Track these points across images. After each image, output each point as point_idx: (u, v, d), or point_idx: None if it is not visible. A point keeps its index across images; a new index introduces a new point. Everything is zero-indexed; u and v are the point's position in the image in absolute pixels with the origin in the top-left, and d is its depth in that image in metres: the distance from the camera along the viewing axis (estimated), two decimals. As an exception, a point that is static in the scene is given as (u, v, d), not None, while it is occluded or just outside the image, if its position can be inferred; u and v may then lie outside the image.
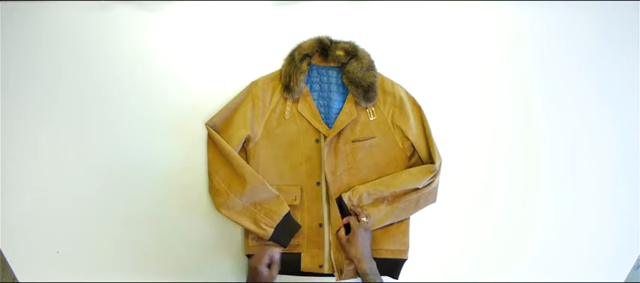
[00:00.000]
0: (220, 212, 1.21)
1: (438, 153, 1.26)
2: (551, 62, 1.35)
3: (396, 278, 1.28)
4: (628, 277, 1.37)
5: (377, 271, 1.19)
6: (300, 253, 1.25)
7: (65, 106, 1.26)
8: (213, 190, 1.23)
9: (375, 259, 1.26)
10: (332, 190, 1.23)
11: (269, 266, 1.13)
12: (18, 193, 1.25)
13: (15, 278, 1.25)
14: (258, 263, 1.12)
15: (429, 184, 1.25)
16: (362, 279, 1.18)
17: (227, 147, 1.19)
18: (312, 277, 1.27)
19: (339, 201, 1.23)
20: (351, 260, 1.21)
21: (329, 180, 1.23)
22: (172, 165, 1.27)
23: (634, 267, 1.37)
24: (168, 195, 1.27)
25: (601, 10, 1.34)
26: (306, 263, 1.25)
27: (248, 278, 1.15)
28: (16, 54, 1.25)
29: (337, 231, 1.23)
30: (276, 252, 1.16)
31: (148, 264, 1.27)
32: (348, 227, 1.23)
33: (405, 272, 1.29)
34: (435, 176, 1.25)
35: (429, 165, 1.23)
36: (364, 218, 1.20)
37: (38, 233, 1.25)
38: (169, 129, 1.27)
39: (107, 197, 1.26)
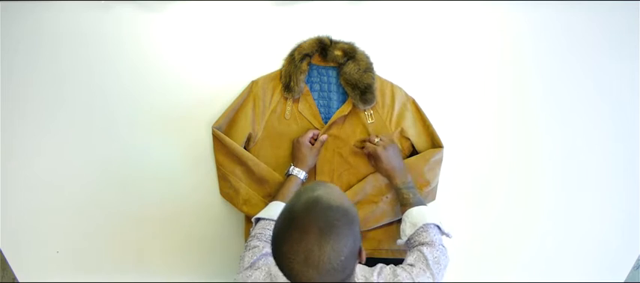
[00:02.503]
0: (242, 210, 1.22)
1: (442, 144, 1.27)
2: (550, 62, 1.34)
3: (396, 278, 1.28)
4: (628, 277, 1.37)
5: (413, 185, 1.15)
6: (300, 253, 1.25)
7: (66, 106, 1.26)
8: (232, 190, 1.22)
9: (374, 259, 1.26)
10: None
11: (312, 142, 1.18)
12: (18, 193, 1.25)
13: (15, 278, 1.25)
14: (301, 137, 1.18)
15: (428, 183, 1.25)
16: (398, 197, 1.14)
17: (238, 147, 1.20)
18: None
19: None
20: None
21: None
22: (173, 165, 1.27)
23: (634, 267, 1.37)
24: (169, 194, 1.27)
25: (601, 10, 1.34)
26: (306, 263, 1.25)
27: (292, 152, 1.20)
28: (16, 54, 1.25)
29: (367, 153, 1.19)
30: (324, 136, 1.20)
31: (148, 264, 1.27)
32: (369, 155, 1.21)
33: (405, 272, 1.28)
34: (441, 154, 1.25)
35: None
36: (376, 139, 1.19)
37: (38, 233, 1.25)
38: (169, 129, 1.27)
39: (107, 197, 1.26)
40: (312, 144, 1.18)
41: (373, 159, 1.19)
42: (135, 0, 1.26)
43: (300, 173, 1.16)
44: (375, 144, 1.17)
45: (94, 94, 1.26)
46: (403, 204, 1.13)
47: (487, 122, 1.34)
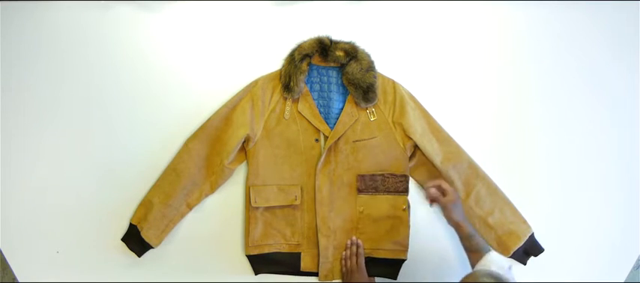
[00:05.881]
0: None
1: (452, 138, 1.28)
2: (550, 62, 1.34)
3: (395, 279, 1.28)
4: (628, 277, 1.37)
5: (476, 232, 1.16)
6: (300, 253, 1.25)
7: (66, 106, 1.26)
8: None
9: (373, 259, 1.26)
10: (326, 201, 1.24)
11: None
12: (18, 193, 1.25)
13: (15, 278, 1.25)
14: None
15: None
16: (465, 242, 1.14)
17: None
18: (312, 277, 1.27)
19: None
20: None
21: (324, 189, 1.24)
22: (172, 165, 1.27)
23: (634, 267, 1.37)
24: (168, 194, 1.27)
25: (601, 10, 1.34)
26: (306, 263, 1.25)
27: None
28: (16, 54, 1.25)
29: (431, 202, 1.17)
30: None
31: (148, 264, 1.27)
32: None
33: (404, 272, 1.29)
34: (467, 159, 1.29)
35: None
36: (450, 189, 1.15)
37: (38, 233, 1.25)
38: (169, 128, 1.27)
39: (107, 196, 1.26)
40: None
41: (446, 204, 1.15)
42: (134, 0, 1.26)
43: None
44: (449, 196, 1.14)
45: (94, 94, 1.26)
46: (475, 250, 1.12)
47: (486, 121, 1.33)
